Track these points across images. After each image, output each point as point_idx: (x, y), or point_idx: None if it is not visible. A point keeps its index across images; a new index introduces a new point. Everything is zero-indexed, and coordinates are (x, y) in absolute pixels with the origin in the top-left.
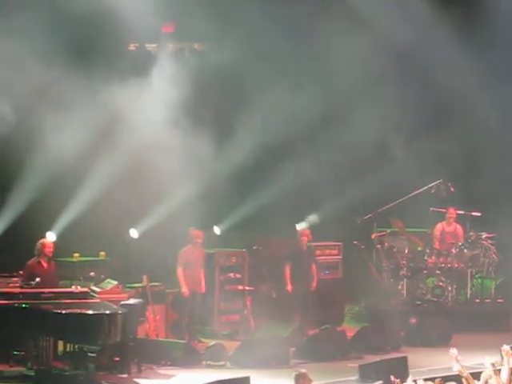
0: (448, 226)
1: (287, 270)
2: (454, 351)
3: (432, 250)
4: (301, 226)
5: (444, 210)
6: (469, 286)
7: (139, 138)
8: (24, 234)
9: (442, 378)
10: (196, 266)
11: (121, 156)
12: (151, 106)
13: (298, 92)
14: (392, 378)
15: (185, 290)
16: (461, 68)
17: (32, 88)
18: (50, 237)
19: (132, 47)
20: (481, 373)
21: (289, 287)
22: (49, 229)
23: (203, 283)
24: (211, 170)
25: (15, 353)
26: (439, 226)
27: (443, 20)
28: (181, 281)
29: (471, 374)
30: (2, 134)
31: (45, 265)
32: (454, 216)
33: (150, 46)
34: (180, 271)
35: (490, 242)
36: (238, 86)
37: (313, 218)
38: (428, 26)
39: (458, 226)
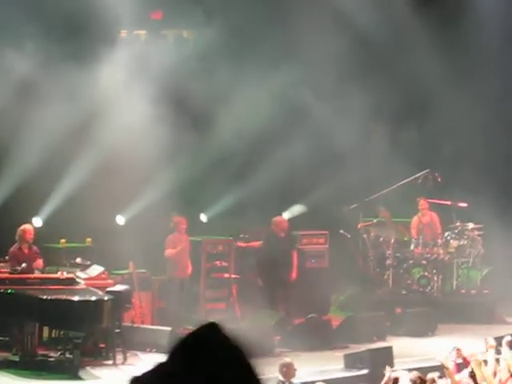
0: (423, 217)
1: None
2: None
3: (418, 240)
4: (287, 215)
5: (431, 201)
6: (454, 276)
7: (124, 124)
8: (10, 220)
9: (427, 368)
10: (182, 252)
11: (106, 142)
12: (135, 93)
13: (282, 79)
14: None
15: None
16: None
17: (17, 74)
18: (36, 222)
19: (121, 33)
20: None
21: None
22: (35, 215)
23: (190, 268)
24: (198, 157)
25: (0, 338)
26: (415, 219)
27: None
28: (168, 253)
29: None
30: None
31: (26, 251)
32: (427, 206)
33: (138, 33)
34: (169, 252)
35: (476, 232)
36: (222, 72)
37: (299, 206)
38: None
39: (434, 214)
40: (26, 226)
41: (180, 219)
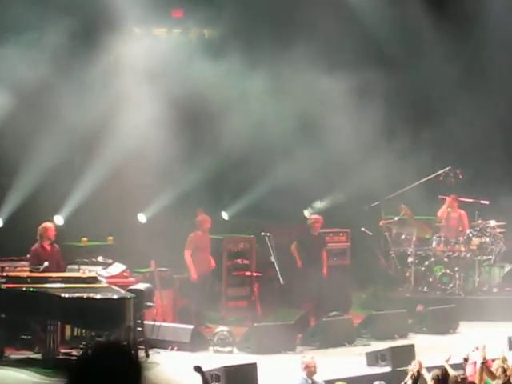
0: (452, 212)
1: (294, 249)
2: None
3: (440, 237)
4: (308, 213)
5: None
6: (476, 273)
7: (145, 122)
8: (32, 218)
9: (449, 365)
10: (205, 250)
11: (127, 140)
12: (154, 91)
13: (304, 76)
14: None
15: (194, 275)
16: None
17: (37, 70)
18: (58, 220)
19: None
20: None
21: (299, 264)
22: (56, 213)
23: (212, 262)
24: (218, 155)
25: (22, 337)
26: (444, 208)
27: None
28: (190, 265)
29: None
30: (8, 114)
31: (48, 248)
32: (457, 203)
33: (157, 31)
34: (188, 255)
35: (498, 230)
36: (238, 71)
37: (319, 204)
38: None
39: (463, 212)
40: (48, 224)
41: (205, 218)
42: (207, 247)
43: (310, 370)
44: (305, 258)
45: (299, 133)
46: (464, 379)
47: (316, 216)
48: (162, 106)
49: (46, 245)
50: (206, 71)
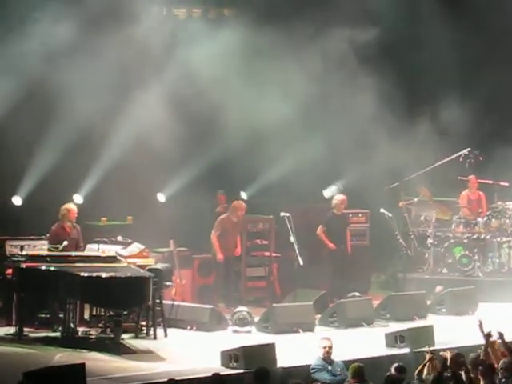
0: (472, 195)
1: (321, 233)
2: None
3: (459, 219)
4: (327, 194)
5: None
6: (495, 255)
7: (162, 101)
8: (51, 197)
9: (467, 347)
10: (233, 233)
11: (145, 118)
12: (172, 70)
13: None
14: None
15: (220, 255)
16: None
17: (57, 47)
18: (77, 199)
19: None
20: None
21: (331, 246)
22: (75, 192)
23: (239, 248)
24: (237, 134)
25: (41, 315)
26: (464, 194)
27: None
28: (216, 247)
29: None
30: (26, 93)
31: (68, 229)
32: (476, 184)
33: (177, 11)
34: (214, 238)
35: None
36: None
37: (338, 185)
38: None
39: (481, 194)
40: (71, 206)
41: (240, 206)
42: (236, 232)
43: (328, 351)
44: (331, 238)
45: (318, 111)
46: (483, 360)
47: (342, 197)
48: (180, 84)
49: (67, 226)
50: (218, 50)
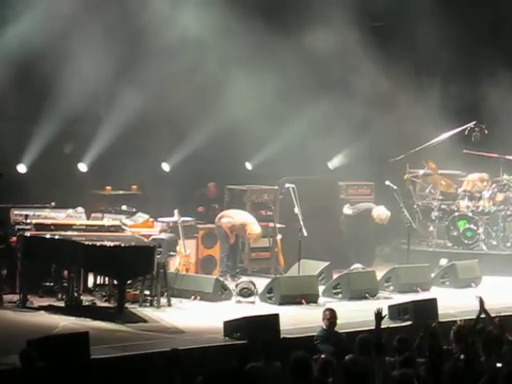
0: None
1: None
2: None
3: (464, 192)
4: (332, 164)
5: (477, 154)
6: (500, 228)
7: (168, 71)
8: (55, 165)
9: (471, 319)
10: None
11: (150, 88)
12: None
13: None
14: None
15: (232, 240)
16: None
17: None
18: (82, 168)
19: None
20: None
21: None
22: (80, 160)
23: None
24: (242, 104)
25: (45, 284)
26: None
27: None
28: (227, 232)
29: (501, 316)
30: (30, 62)
31: None
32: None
33: None
34: (224, 224)
35: None
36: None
37: (343, 156)
38: None
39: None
40: None
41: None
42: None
43: (332, 322)
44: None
45: (320, 84)
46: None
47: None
48: (185, 56)
49: None
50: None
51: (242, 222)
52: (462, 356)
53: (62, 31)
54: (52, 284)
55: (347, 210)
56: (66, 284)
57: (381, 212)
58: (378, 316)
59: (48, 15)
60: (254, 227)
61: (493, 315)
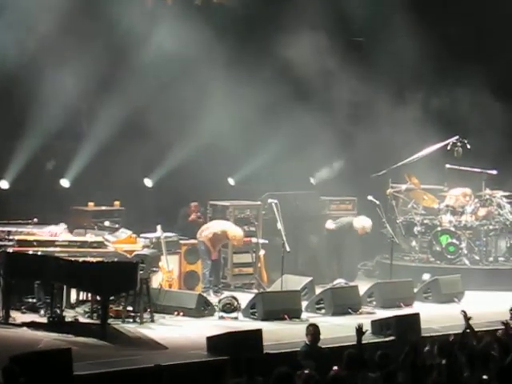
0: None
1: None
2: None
3: (447, 207)
4: (315, 180)
5: (460, 168)
6: (482, 243)
7: (152, 84)
8: (37, 181)
9: (454, 334)
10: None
11: (133, 103)
12: (164, 51)
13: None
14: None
15: (215, 255)
16: None
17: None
18: (64, 183)
19: None
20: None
21: None
22: (62, 176)
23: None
24: (224, 120)
25: (28, 300)
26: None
27: None
28: (209, 247)
29: (482, 331)
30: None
31: None
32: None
33: None
34: (206, 239)
35: (505, 200)
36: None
37: (327, 170)
38: None
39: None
40: None
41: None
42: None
43: (315, 337)
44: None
45: (300, 99)
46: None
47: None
48: (169, 67)
49: None
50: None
51: (223, 229)
52: (445, 371)
53: (42, 47)
54: (35, 300)
55: (330, 224)
56: (48, 300)
57: (364, 222)
58: (359, 331)
59: (27, 31)
60: (236, 230)
61: (476, 330)
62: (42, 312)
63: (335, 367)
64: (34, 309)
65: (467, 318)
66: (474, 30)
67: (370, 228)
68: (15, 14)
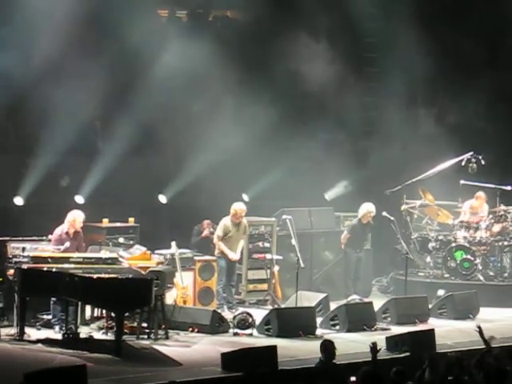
0: (479, 207)
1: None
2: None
3: (461, 222)
4: (330, 195)
5: (474, 184)
6: (497, 259)
7: (162, 102)
8: (52, 197)
9: (468, 351)
10: (236, 236)
11: (146, 120)
12: (174, 69)
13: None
14: None
15: (232, 256)
16: None
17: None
18: (79, 200)
19: (163, 13)
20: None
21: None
22: (77, 192)
23: (239, 252)
24: (238, 136)
25: (43, 316)
26: (469, 202)
27: None
28: (224, 250)
29: (497, 347)
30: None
31: (71, 234)
32: (484, 201)
33: (180, 13)
34: (218, 240)
35: None
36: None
37: (341, 187)
38: None
39: (485, 206)
40: (77, 215)
41: (238, 206)
42: (239, 236)
43: (330, 354)
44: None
45: (313, 114)
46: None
47: (370, 207)
48: (182, 83)
49: (71, 232)
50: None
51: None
52: None
53: (55, 63)
54: (49, 317)
55: (344, 236)
56: (63, 317)
57: (367, 207)
58: (374, 349)
59: (39, 47)
60: (237, 205)
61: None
62: (57, 328)
63: (353, 378)
64: (48, 325)
65: (482, 335)
66: (486, 43)
67: (373, 208)
68: (25, 28)
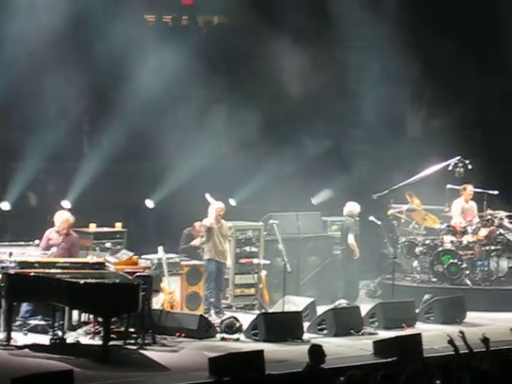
0: (466, 204)
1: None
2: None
3: (448, 227)
4: (316, 200)
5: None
6: (484, 263)
7: (152, 108)
8: (39, 202)
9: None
10: (219, 233)
11: (133, 123)
12: (162, 73)
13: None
14: None
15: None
16: None
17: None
18: (65, 205)
19: (150, 18)
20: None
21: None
22: (64, 197)
23: (228, 254)
24: (225, 141)
25: (29, 322)
26: (458, 201)
27: None
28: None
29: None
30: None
31: (61, 237)
32: (472, 193)
33: (166, 18)
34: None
35: (507, 220)
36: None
37: (326, 192)
38: None
39: (473, 203)
40: (65, 216)
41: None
42: (224, 239)
43: (317, 358)
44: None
45: (302, 116)
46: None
47: (356, 205)
48: (170, 89)
49: (62, 232)
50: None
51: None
52: None
53: (40, 67)
54: (36, 322)
55: (350, 239)
56: (50, 322)
57: (354, 206)
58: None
59: (24, 50)
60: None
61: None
62: (44, 334)
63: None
64: (35, 330)
65: (465, 340)
66: (474, 45)
67: (358, 207)
68: (12, 33)
